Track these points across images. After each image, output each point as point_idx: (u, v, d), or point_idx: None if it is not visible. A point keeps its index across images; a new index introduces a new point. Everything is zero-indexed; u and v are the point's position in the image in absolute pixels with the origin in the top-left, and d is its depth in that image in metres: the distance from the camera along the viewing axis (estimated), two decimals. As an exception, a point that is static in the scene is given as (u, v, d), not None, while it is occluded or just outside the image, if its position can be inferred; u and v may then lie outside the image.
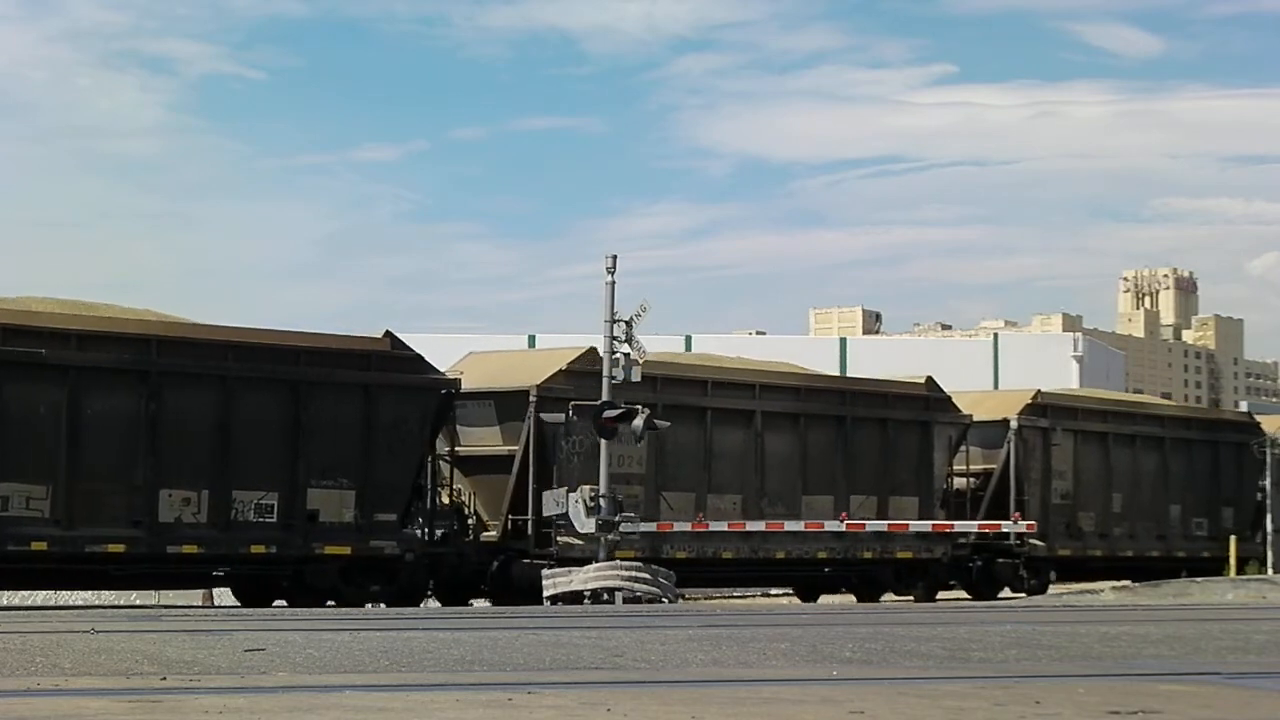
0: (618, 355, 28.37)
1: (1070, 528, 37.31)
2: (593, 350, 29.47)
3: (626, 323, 28.41)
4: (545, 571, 27.76)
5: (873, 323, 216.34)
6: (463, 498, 29.89)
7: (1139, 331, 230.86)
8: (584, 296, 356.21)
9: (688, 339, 68.85)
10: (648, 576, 27.42)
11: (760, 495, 31.99)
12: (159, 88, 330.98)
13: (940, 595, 35.56)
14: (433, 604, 29.57)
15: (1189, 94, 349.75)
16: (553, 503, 28.22)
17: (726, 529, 30.90)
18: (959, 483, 35.98)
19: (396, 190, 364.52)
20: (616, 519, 28.10)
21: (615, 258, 28.80)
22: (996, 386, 57.71)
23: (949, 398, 35.32)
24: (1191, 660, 13.00)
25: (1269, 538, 39.89)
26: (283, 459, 26.98)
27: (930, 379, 35.31)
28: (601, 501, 27.94)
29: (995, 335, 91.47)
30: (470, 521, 29.72)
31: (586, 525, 27.96)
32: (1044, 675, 11.22)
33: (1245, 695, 10.03)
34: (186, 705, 8.51)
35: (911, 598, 34.35)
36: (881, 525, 32.83)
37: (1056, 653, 13.86)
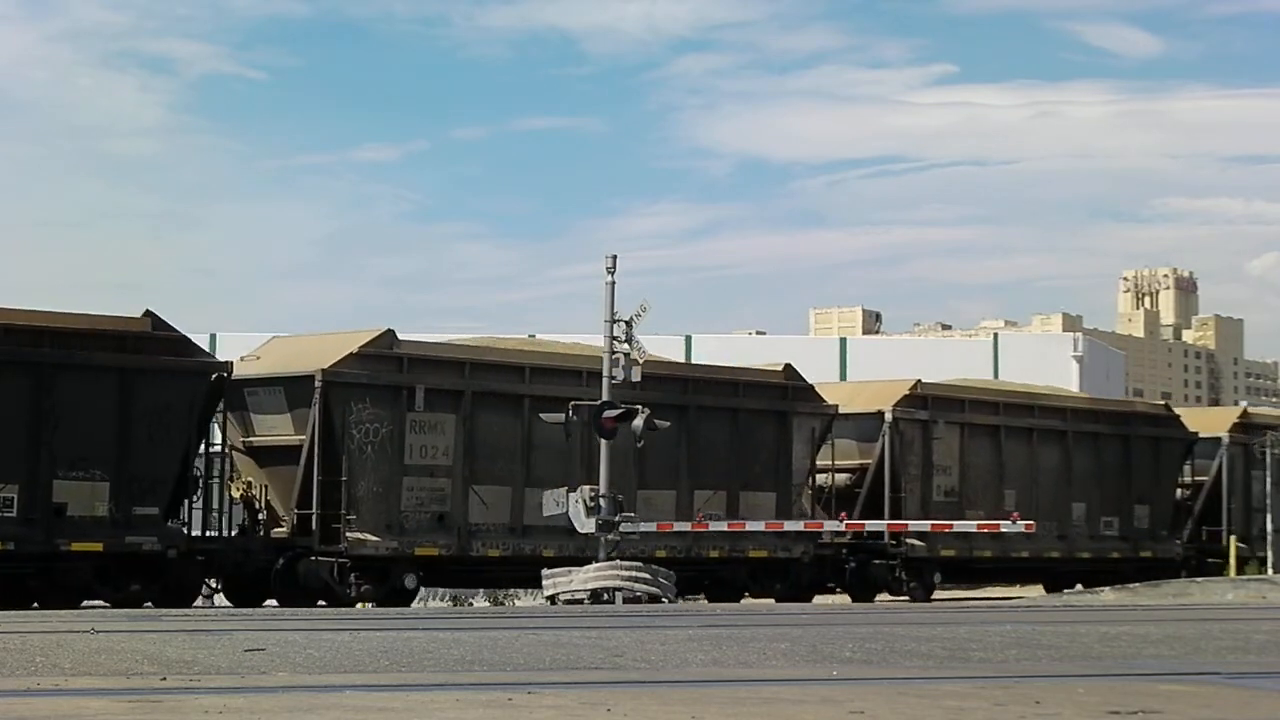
0: (618, 355, 28.36)
1: None
2: (389, 333, 28.12)
3: (626, 323, 28.40)
4: (545, 571, 27.75)
5: (873, 323, 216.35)
6: (253, 491, 28.16)
7: (1139, 331, 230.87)
8: (584, 296, 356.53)
9: (688, 339, 68.82)
10: (648, 576, 27.41)
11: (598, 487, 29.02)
12: (159, 88, 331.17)
13: (819, 598, 33.45)
14: (221, 602, 28.38)
15: (1189, 94, 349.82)
16: (553, 503, 28.20)
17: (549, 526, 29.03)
18: (836, 479, 33.98)
19: (397, 190, 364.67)
20: (616, 519, 28.08)
21: (615, 258, 28.80)
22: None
23: (810, 387, 33.43)
24: (1191, 660, 13.00)
25: (1269, 538, 39.81)
26: (24, 449, 25.09)
27: (789, 366, 33.26)
28: (602, 501, 27.92)
29: (995, 335, 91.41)
30: (261, 516, 28.11)
31: (586, 525, 27.94)
32: (1044, 675, 11.22)
33: (1245, 695, 10.03)
34: (186, 705, 8.51)
35: (773, 600, 32.04)
36: (722, 524, 30.81)
37: (1056, 653, 13.86)
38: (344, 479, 27.15)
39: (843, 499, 33.87)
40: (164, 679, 10.17)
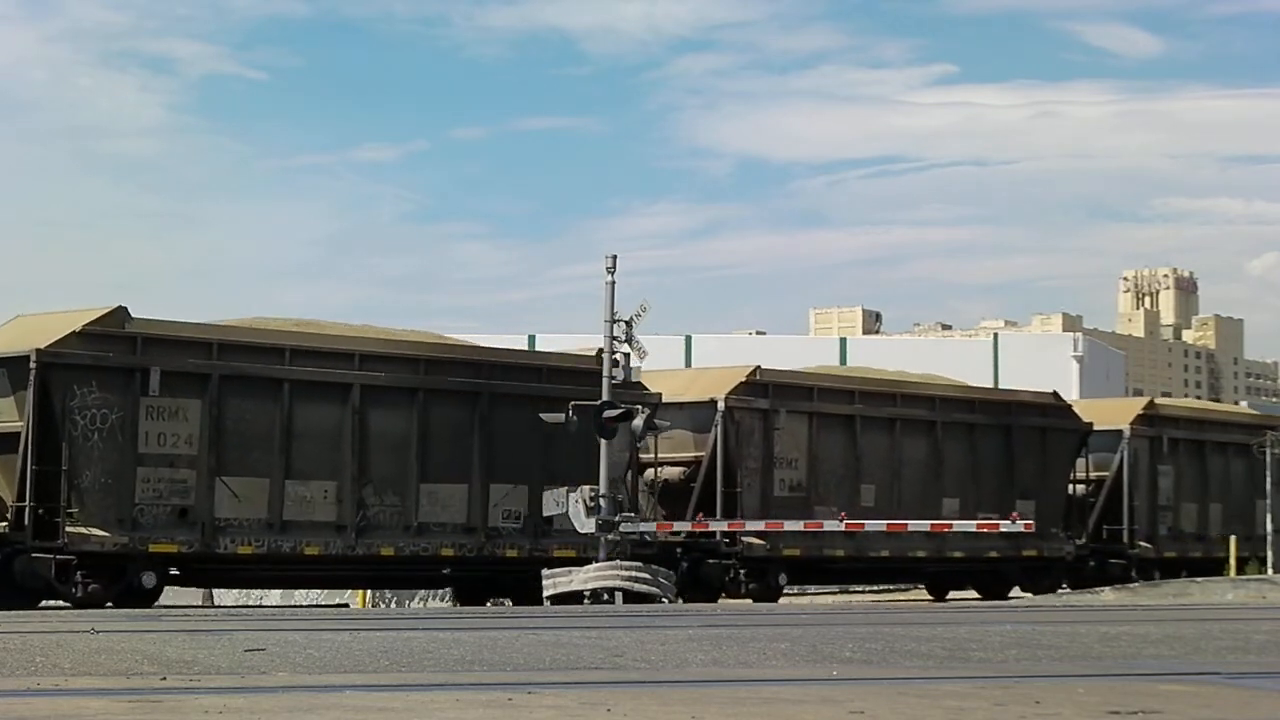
0: (618, 355, 28.36)
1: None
2: (120, 310, 25.84)
3: (626, 323, 28.40)
4: (545, 571, 27.74)
5: (873, 323, 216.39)
6: None
7: (1139, 331, 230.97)
8: (584, 296, 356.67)
9: (688, 339, 68.94)
10: (648, 576, 27.41)
11: (363, 482, 27.49)
12: (159, 88, 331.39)
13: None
14: None
15: (1189, 94, 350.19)
16: (553, 503, 28.20)
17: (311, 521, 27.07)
18: (668, 472, 31.84)
19: (397, 190, 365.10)
20: (616, 519, 28.08)
21: (615, 258, 28.80)
22: (996, 387, 57.06)
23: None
24: (1191, 660, 13.00)
25: (1269, 538, 39.71)
26: None
27: (601, 351, 29.88)
28: (602, 502, 27.91)
29: (995, 335, 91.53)
30: None
31: (586, 525, 27.94)
32: (1044, 675, 11.22)
33: (1245, 695, 10.02)
34: (186, 705, 8.51)
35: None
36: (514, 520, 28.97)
37: (1056, 653, 13.86)
38: (65, 469, 24.94)
39: (677, 494, 31.77)
40: (164, 679, 10.16)
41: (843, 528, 31.09)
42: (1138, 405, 39.98)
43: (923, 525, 32.19)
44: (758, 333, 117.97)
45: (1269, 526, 39.73)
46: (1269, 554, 39.30)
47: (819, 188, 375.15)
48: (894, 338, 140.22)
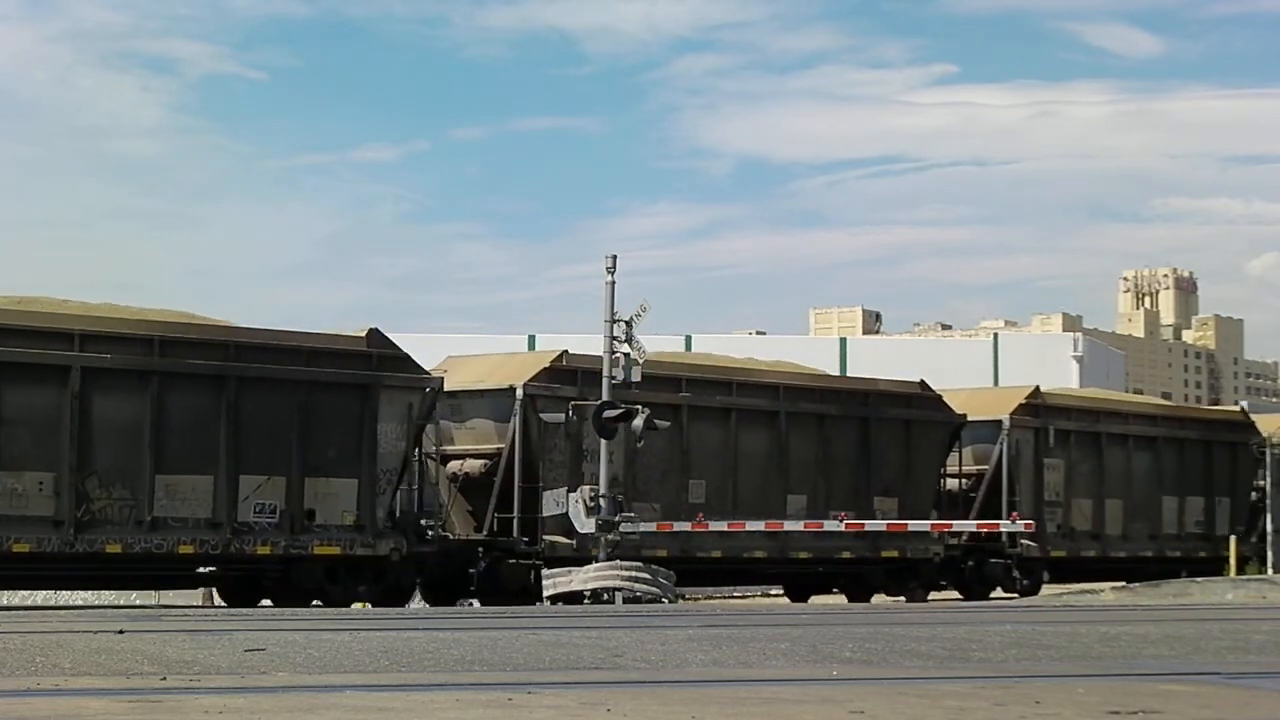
0: (618, 355, 28.36)
1: (688, 518, 30.13)
2: None
3: (626, 323, 28.41)
4: (545, 571, 27.75)
5: (873, 323, 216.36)
6: None
7: (1139, 331, 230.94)
8: (584, 296, 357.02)
9: (688, 339, 68.87)
10: (648, 576, 27.41)
11: (85, 473, 25.20)
12: (160, 88, 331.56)
13: (416, 603, 29.44)
14: None
15: (1189, 94, 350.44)
16: (553, 503, 28.20)
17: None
18: (469, 465, 29.64)
19: (397, 190, 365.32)
20: (616, 519, 28.08)
21: (615, 258, 28.81)
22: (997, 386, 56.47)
23: (406, 357, 28.07)
24: (1191, 660, 13.00)
25: (1269, 538, 39.70)
26: None
27: (375, 331, 27.83)
28: (602, 501, 27.92)
29: (995, 335, 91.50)
30: None
31: (586, 525, 27.94)
32: (1044, 675, 11.22)
33: (1245, 695, 10.02)
34: (186, 705, 8.50)
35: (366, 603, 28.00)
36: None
37: (1056, 653, 13.86)
38: None
39: (478, 488, 29.57)
40: (164, 679, 10.16)
41: (694, 528, 29.61)
42: (1020, 394, 36.81)
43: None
44: (758, 333, 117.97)
45: (1269, 526, 39.73)
46: (1269, 554, 39.29)
47: (819, 188, 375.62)
48: (894, 338, 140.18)
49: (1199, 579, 35.05)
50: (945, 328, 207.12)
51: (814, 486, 32.60)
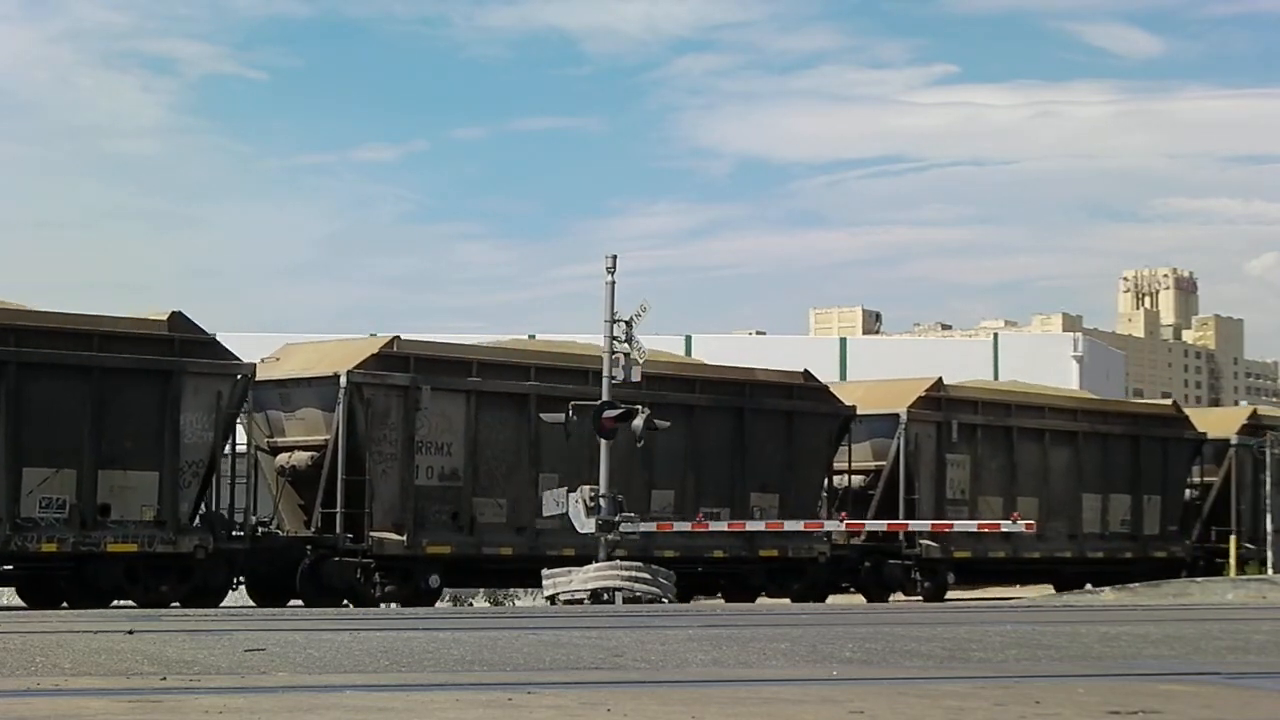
0: (618, 355, 28.35)
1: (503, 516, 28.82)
2: None
3: (626, 323, 28.39)
4: (546, 571, 27.73)
5: (873, 323, 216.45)
6: None
7: (1139, 331, 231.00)
8: (584, 296, 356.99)
9: (688, 339, 68.83)
10: (648, 576, 27.40)
11: None
12: (160, 88, 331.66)
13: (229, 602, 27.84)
14: None
15: (1189, 94, 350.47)
16: (553, 503, 28.18)
17: None
18: (297, 458, 28.19)
19: (397, 190, 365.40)
20: (617, 519, 28.07)
21: (615, 258, 28.79)
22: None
23: (212, 341, 26.84)
24: (1192, 660, 13.00)
25: (1269, 538, 39.63)
26: None
27: (177, 314, 26.35)
28: (601, 501, 27.90)
29: (995, 335, 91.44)
30: None
31: (586, 525, 27.92)
32: (1044, 675, 11.22)
33: (1245, 695, 10.02)
34: (187, 705, 8.50)
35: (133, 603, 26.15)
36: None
37: (1056, 653, 13.86)
38: None
39: (307, 481, 28.25)
40: (164, 679, 10.16)
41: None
42: (920, 386, 34.85)
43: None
44: (758, 333, 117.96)
45: (1269, 526, 39.66)
46: (1269, 554, 39.25)
47: (819, 188, 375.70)
48: (894, 338, 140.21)
49: (1199, 579, 35.00)
50: (945, 328, 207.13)
51: (682, 481, 31.02)
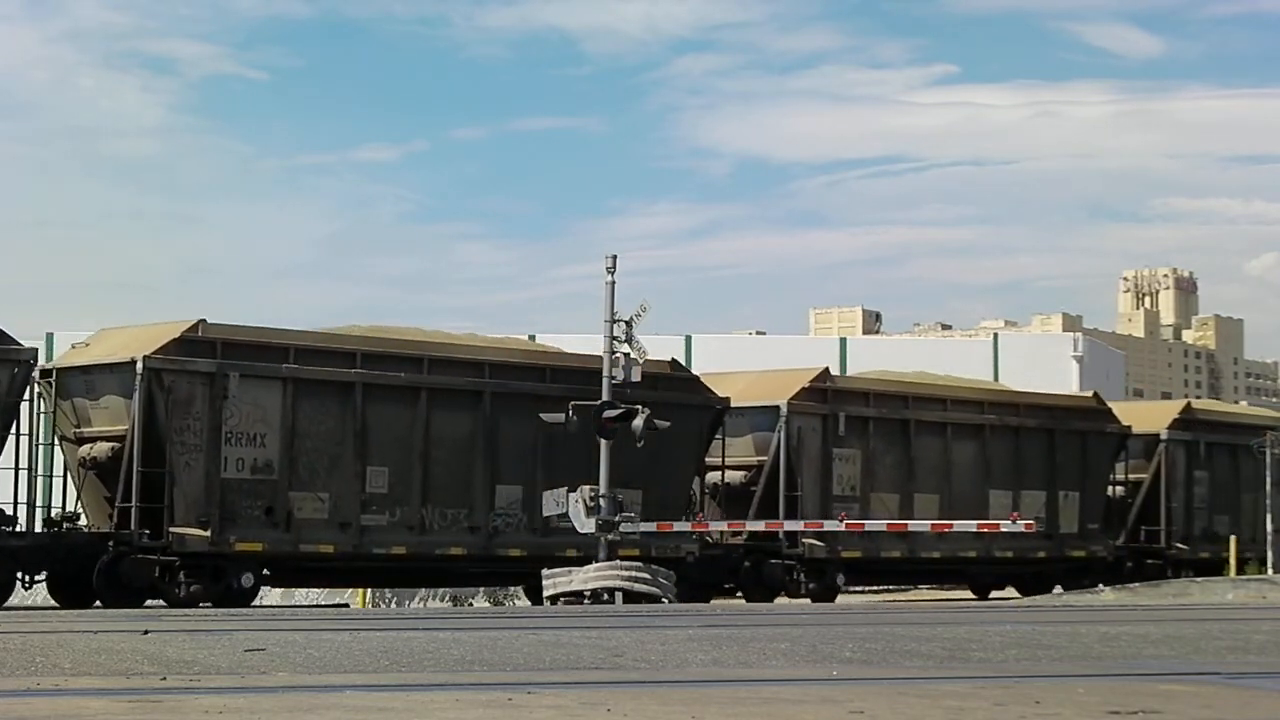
0: (618, 355, 28.36)
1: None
2: None
3: (626, 323, 28.40)
4: (546, 571, 27.72)
5: (873, 323, 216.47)
6: None
7: (1139, 331, 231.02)
8: (584, 296, 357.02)
9: (688, 339, 68.83)
10: (648, 576, 27.40)
11: None
12: (161, 88, 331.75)
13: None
14: None
15: (1189, 94, 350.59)
16: (553, 503, 28.17)
17: None
18: (98, 449, 26.68)
19: (397, 190, 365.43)
20: (617, 519, 28.07)
21: (615, 258, 28.80)
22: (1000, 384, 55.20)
23: None
24: (1192, 660, 13.00)
25: (1269, 538, 39.52)
26: None
27: None
28: (601, 501, 27.90)
29: (995, 335, 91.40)
30: None
31: (586, 525, 27.92)
32: (1044, 675, 11.22)
33: (1245, 695, 10.02)
34: (187, 705, 8.50)
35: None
36: None
37: (1056, 653, 13.86)
38: None
39: (107, 474, 26.69)
40: (164, 679, 10.16)
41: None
42: (804, 378, 32.99)
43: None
44: (758, 333, 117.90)
45: (1269, 526, 39.55)
46: (1269, 554, 39.17)
47: (819, 188, 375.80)
48: (894, 338, 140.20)
49: (1199, 579, 34.86)
50: (945, 328, 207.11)
51: (531, 476, 29.15)
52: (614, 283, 28.66)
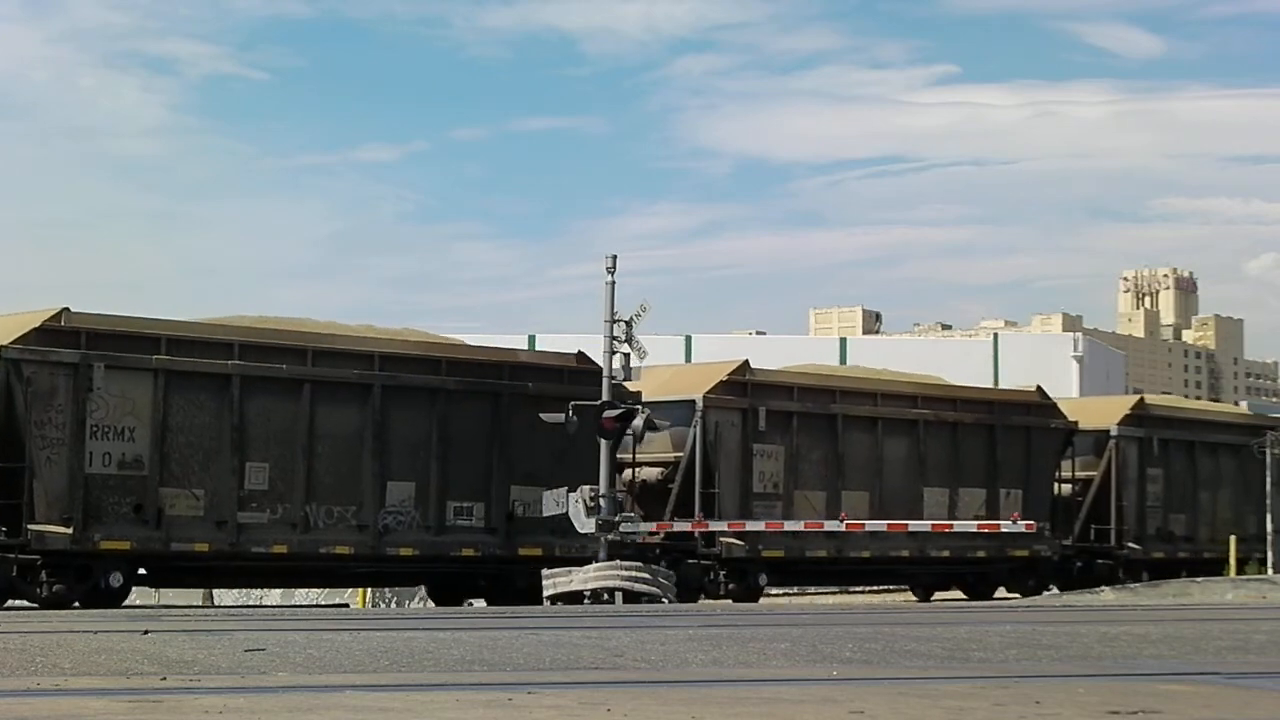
0: (618, 355, 28.36)
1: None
2: None
3: (626, 323, 28.39)
4: (545, 571, 27.71)
5: (873, 323, 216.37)
6: None
7: (1139, 331, 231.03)
8: (584, 296, 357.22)
9: (688, 339, 68.90)
10: (648, 576, 27.40)
11: None
12: (161, 88, 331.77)
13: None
14: None
15: (1189, 94, 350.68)
16: (553, 503, 28.17)
17: None
18: None
19: (397, 190, 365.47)
20: (617, 519, 28.07)
21: (615, 258, 28.79)
22: (996, 387, 54.99)
23: None
24: (1191, 660, 13.00)
25: (1269, 538, 39.40)
26: None
27: None
28: (601, 501, 27.90)
29: (995, 335, 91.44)
30: None
31: (586, 525, 27.92)
32: (1044, 675, 11.22)
33: (1245, 695, 10.02)
34: (187, 705, 8.51)
35: None
36: None
37: (1056, 653, 13.86)
38: None
39: None
40: (164, 679, 10.16)
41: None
42: (721, 371, 31.86)
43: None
44: (758, 333, 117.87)
45: (1269, 526, 39.44)
46: (1269, 554, 39.10)
47: (819, 188, 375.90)
48: (894, 338, 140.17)
49: (1199, 579, 34.78)
50: (945, 328, 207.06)
51: (425, 472, 28.02)
52: (614, 283, 28.66)
